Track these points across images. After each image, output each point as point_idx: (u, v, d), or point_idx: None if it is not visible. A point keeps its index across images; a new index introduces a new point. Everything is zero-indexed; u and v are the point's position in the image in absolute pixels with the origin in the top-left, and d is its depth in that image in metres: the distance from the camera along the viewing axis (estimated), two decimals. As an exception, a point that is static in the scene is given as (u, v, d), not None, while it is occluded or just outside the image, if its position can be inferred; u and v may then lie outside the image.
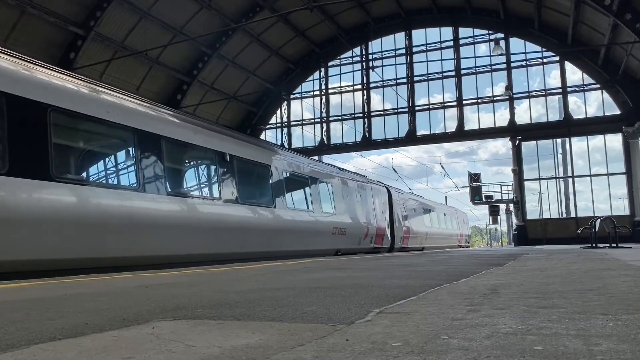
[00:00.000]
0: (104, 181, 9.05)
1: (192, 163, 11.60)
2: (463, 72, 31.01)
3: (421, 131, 31.62)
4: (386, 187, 23.50)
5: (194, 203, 10.50)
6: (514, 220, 31.62)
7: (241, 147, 12.56)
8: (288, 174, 14.51)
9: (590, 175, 28.94)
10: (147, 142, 9.43)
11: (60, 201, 7.59)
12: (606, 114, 27.95)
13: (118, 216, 8.45)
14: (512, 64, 29.93)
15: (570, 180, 30.95)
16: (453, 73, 31.20)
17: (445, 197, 52.23)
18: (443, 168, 48.62)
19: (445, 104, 31.47)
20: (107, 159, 9.51)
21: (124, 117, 9.01)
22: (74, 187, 7.94)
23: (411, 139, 31.84)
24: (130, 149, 9.26)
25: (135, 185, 9.07)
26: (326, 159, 31.99)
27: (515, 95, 29.78)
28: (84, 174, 8.83)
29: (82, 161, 8.80)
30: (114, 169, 9.42)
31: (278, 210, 13.39)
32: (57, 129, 7.83)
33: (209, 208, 10.96)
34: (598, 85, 28.00)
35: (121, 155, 9.56)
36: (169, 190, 9.89)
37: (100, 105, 8.66)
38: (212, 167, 11.53)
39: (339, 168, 20.23)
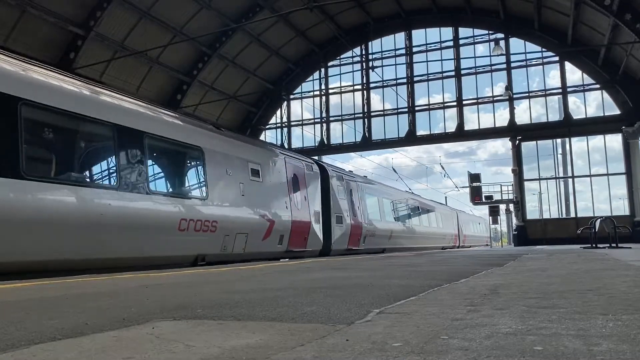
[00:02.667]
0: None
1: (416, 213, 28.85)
2: (463, 72, 30.96)
3: (421, 131, 31.61)
4: (456, 210, 40.67)
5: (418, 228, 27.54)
6: (514, 221, 31.61)
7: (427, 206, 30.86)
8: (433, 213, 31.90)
9: (590, 176, 28.92)
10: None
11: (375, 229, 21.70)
12: (606, 114, 27.91)
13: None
14: (512, 64, 29.88)
15: (570, 180, 30.96)
16: (453, 73, 31.17)
17: (445, 197, 52.37)
18: (443, 168, 48.79)
19: (445, 104, 31.43)
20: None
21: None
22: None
23: (411, 139, 31.82)
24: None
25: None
26: (326, 159, 32.00)
27: (515, 96, 29.73)
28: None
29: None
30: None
31: (436, 230, 31.14)
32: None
33: (424, 230, 28.47)
34: (598, 85, 27.96)
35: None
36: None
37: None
38: (425, 215, 29.89)
39: (439, 203, 36.80)
